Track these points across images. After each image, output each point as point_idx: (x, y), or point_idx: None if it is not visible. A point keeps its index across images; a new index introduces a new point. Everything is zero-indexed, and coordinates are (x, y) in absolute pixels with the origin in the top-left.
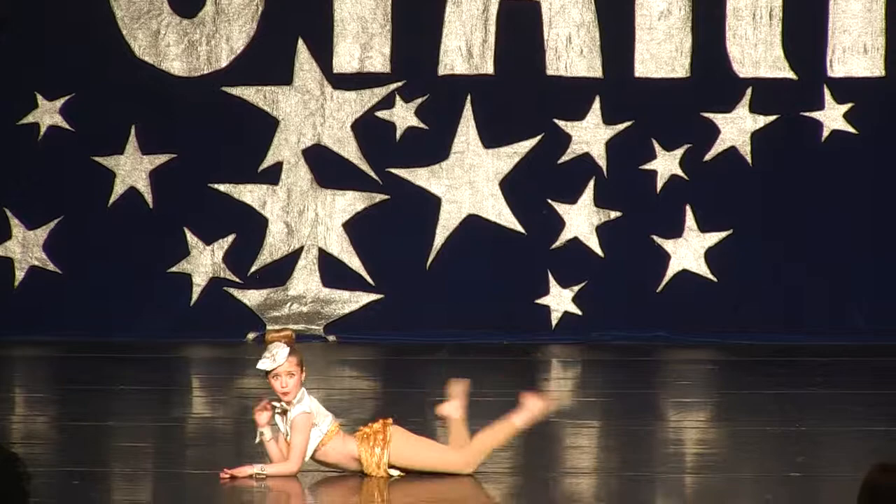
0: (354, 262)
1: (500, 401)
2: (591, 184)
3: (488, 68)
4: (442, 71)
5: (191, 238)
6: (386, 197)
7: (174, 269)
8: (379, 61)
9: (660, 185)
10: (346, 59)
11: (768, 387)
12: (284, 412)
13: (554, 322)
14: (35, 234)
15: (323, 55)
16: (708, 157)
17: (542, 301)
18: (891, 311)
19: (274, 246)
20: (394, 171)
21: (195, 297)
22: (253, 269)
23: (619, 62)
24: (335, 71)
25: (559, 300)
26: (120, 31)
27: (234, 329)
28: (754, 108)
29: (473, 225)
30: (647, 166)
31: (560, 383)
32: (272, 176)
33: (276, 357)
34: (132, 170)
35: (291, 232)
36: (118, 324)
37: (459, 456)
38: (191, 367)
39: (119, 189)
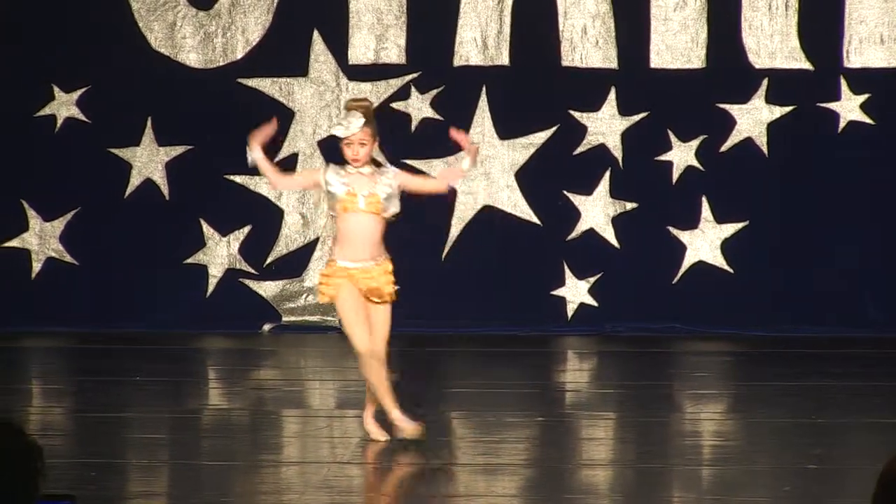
0: None
1: (514, 392)
2: (607, 175)
3: (503, 59)
4: (457, 62)
5: (207, 229)
6: None
7: (190, 260)
8: (394, 52)
9: (675, 176)
10: (361, 50)
11: (784, 378)
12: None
13: (570, 313)
14: (52, 226)
15: (338, 46)
16: (724, 148)
17: (558, 292)
18: None
19: (289, 237)
20: (409, 161)
21: (211, 288)
22: (268, 260)
23: (634, 53)
24: (350, 62)
25: (575, 291)
26: (136, 23)
27: (249, 320)
28: (770, 99)
29: (489, 216)
30: (663, 157)
31: (576, 374)
32: (287, 167)
33: (350, 126)
34: (148, 161)
35: (307, 223)
36: (134, 315)
37: (384, 354)
38: (206, 359)
39: (135, 181)
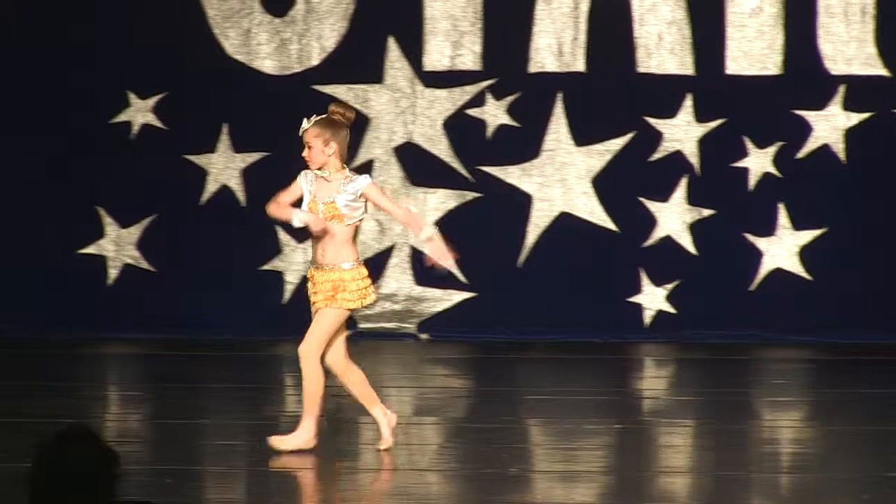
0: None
1: (592, 399)
2: (684, 182)
3: (579, 66)
4: (533, 69)
5: (283, 236)
6: (478, 195)
7: (266, 266)
8: (470, 59)
9: (752, 182)
10: (436, 56)
11: (864, 386)
12: (325, 178)
13: (647, 320)
14: (128, 233)
15: (414, 53)
16: (800, 154)
17: (635, 299)
18: None
19: (366, 244)
20: (485, 168)
21: (287, 294)
22: None
23: (710, 60)
24: (426, 69)
25: (652, 298)
26: (211, 30)
27: None
28: (847, 106)
29: (565, 223)
30: (740, 164)
31: (653, 382)
32: (364, 173)
33: (302, 126)
34: (224, 168)
35: (383, 230)
36: (211, 322)
37: (311, 352)
38: (283, 365)
39: (211, 187)
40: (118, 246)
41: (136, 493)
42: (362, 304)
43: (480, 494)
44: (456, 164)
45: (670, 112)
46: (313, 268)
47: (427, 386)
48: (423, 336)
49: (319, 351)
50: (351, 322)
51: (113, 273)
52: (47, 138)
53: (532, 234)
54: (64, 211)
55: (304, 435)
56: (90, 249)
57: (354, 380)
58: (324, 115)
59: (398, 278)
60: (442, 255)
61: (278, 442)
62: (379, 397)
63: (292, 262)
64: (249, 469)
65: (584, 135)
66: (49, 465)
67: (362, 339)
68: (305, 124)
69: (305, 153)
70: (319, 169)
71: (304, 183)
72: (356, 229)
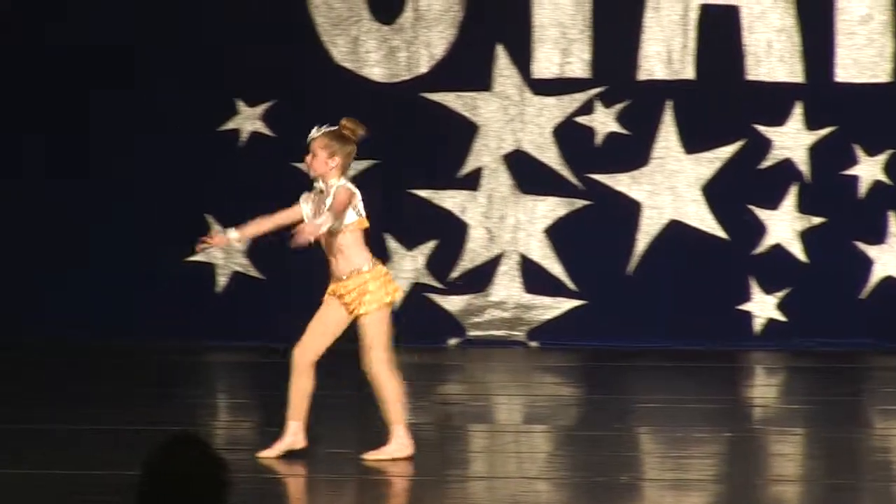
0: (556, 268)
1: (702, 407)
2: (794, 190)
3: (688, 73)
4: (642, 76)
5: (392, 243)
6: (587, 202)
7: None
8: (579, 67)
9: (863, 190)
10: (545, 64)
11: None
12: (321, 191)
13: (757, 328)
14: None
15: (522, 61)
16: None
17: (745, 307)
18: None
19: (475, 252)
20: (594, 176)
21: (397, 303)
22: (454, 274)
23: (819, 67)
24: (535, 76)
25: (762, 306)
26: (320, 38)
27: (435, 335)
28: None
29: (675, 230)
30: (850, 172)
31: (764, 390)
32: (472, 181)
33: (311, 134)
34: None
35: (492, 238)
36: None
37: (380, 361)
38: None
39: None
40: (227, 254)
41: (245, 502)
42: (392, 298)
43: (590, 503)
44: (565, 172)
45: (780, 120)
46: (333, 281)
47: (536, 394)
48: (533, 344)
49: (385, 358)
50: (460, 329)
51: (222, 281)
52: (156, 145)
53: (642, 241)
54: (173, 218)
55: (397, 444)
56: (199, 257)
57: (301, 386)
58: (334, 128)
59: (507, 286)
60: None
61: (374, 454)
62: (306, 417)
63: (401, 269)
64: (358, 477)
65: (693, 142)
66: (157, 473)
67: (472, 347)
68: (315, 132)
69: (308, 159)
70: (316, 179)
71: (304, 206)
72: (362, 233)
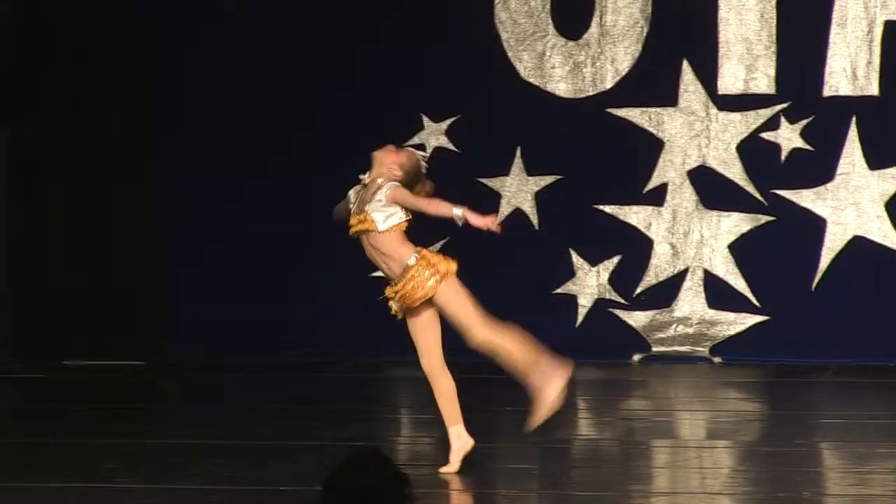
0: (740, 284)
1: (886, 423)
2: None
3: (873, 90)
4: (827, 92)
5: (576, 259)
6: (771, 218)
7: (559, 290)
8: (764, 83)
9: None
10: (730, 80)
11: None
12: (365, 185)
13: None
14: None
15: (708, 76)
16: None
17: None
18: None
19: (659, 267)
20: (779, 192)
21: (580, 318)
22: (638, 290)
23: None
24: (720, 92)
25: None
26: (505, 53)
27: (619, 351)
28: None
29: (859, 246)
30: None
31: None
32: (657, 197)
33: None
34: (518, 191)
35: (677, 253)
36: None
37: (481, 328)
38: (576, 389)
39: (505, 210)
40: None
41: None
42: (448, 267)
43: None
44: (749, 188)
45: None
46: (391, 286)
47: (720, 409)
48: (717, 359)
49: (484, 322)
50: (644, 345)
51: None
52: (340, 161)
53: (826, 257)
54: None
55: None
56: (380, 273)
57: (442, 389)
58: (423, 160)
59: (691, 302)
60: (482, 221)
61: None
62: (460, 416)
63: (586, 285)
64: (539, 492)
65: (877, 158)
66: (340, 489)
67: (656, 362)
68: (422, 153)
69: (385, 151)
70: (370, 175)
71: (351, 195)
72: (403, 233)
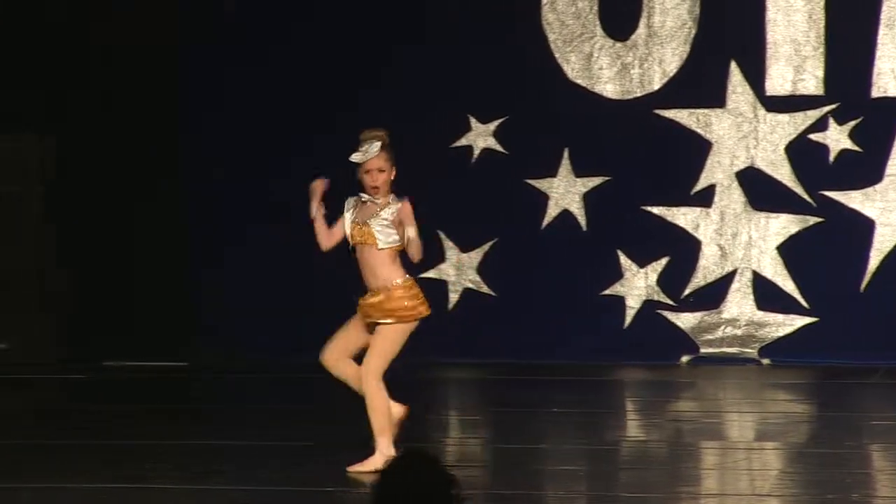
0: (788, 285)
1: None
2: None
3: None
4: (875, 93)
5: (624, 260)
6: (820, 220)
7: (607, 291)
8: (812, 84)
9: None
10: (779, 81)
11: None
12: (364, 202)
13: None
14: (469, 257)
15: (756, 77)
16: None
17: None
18: None
19: (707, 268)
20: (827, 193)
21: (628, 319)
22: (686, 291)
23: None
24: (768, 93)
25: None
26: (552, 54)
27: (667, 352)
28: None
29: None
30: None
31: None
32: (705, 198)
33: (368, 152)
34: (566, 192)
35: (725, 255)
36: (551, 346)
37: (378, 379)
38: (624, 390)
39: (552, 211)
40: (459, 270)
41: None
42: (420, 316)
43: None
44: (798, 189)
45: None
46: (368, 295)
47: (769, 411)
48: (765, 361)
49: (382, 371)
50: (693, 346)
51: (453, 298)
52: None
53: (874, 259)
54: None
55: (381, 456)
56: (430, 274)
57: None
58: (386, 141)
59: (740, 303)
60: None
61: (358, 467)
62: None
63: (633, 286)
64: (587, 493)
65: None
66: (389, 489)
67: (704, 363)
68: (375, 149)
69: (373, 178)
70: (377, 193)
71: (347, 213)
72: (396, 253)
